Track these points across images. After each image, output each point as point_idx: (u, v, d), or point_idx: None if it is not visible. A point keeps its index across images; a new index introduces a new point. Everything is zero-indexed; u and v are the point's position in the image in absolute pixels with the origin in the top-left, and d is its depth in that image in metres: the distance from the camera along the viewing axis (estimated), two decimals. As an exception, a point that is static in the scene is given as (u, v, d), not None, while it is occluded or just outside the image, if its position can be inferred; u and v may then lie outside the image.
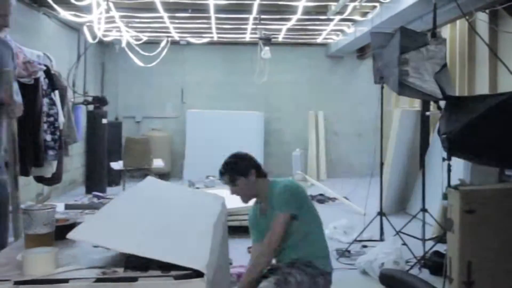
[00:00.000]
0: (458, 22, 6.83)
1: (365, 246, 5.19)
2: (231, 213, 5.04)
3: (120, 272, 1.59)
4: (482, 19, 5.99)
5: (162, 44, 9.46)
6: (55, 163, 5.07)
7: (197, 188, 7.53)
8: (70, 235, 1.63)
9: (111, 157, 8.58)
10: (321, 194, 8.11)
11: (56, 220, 1.93)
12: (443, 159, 4.31)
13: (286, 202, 3.03)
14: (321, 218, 3.21)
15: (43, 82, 4.80)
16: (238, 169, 3.11)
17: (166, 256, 1.59)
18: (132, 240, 1.67)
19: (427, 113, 5.55)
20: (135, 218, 1.97)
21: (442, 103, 4.28)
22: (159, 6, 6.68)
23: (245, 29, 8.70)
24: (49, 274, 1.51)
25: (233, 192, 3.14)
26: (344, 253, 4.97)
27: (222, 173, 3.15)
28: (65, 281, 1.50)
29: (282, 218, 2.99)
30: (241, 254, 4.64)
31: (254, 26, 8.28)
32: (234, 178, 3.09)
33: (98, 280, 1.53)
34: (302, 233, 3.08)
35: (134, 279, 1.55)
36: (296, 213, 3.02)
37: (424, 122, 5.58)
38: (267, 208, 3.14)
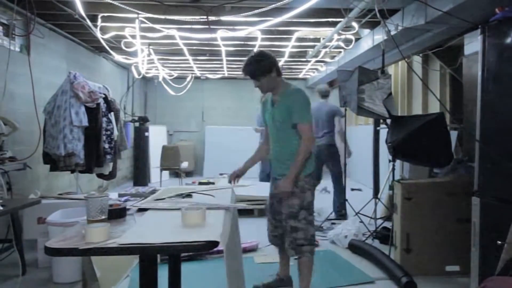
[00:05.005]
0: (400, 63, 6.86)
1: (333, 223, 5.18)
2: (240, 199, 5.05)
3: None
4: (417, 60, 6.02)
5: (188, 78, 9.50)
6: (111, 164, 5.07)
7: (213, 183, 7.51)
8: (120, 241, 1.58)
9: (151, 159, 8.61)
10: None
11: (112, 205, 1.93)
12: (389, 161, 4.33)
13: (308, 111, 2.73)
14: None
15: (103, 106, 4.81)
16: (263, 69, 2.73)
17: (189, 238, 1.57)
18: (161, 234, 1.63)
19: (378, 128, 5.55)
20: (165, 215, 1.96)
21: (389, 121, 4.29)
22: (186, 52, 6.72)
23: (248, 68, 8.71)
24: (103, 242, 1.51)
25: (256, 86, 2.79)
26: (318, 228, 4.95)
27: (247, 71, 2.75)
28: (114, 248, 1.50)
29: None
30: (248, 231, 4.60)
31: (254, 66, 8.30)
32: (259, 76, 2.75)
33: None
34: None
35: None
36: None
37: (376, 134, 5.59)
38: (278, 100, 2.80)
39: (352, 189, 7.81)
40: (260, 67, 2.75)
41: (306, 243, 2.75)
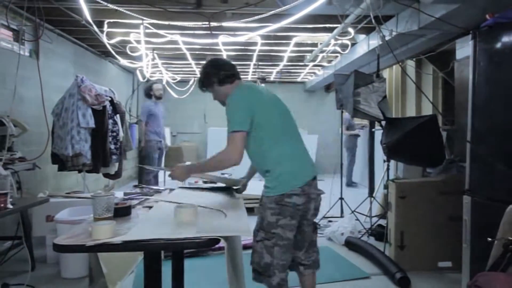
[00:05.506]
0: (394, 67, 6.87)
1: (330, 221, 5.18)
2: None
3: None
4: (410, 65, 6.03)
5: (191, 82, 9.49)
6: (117, 164, 5.07)
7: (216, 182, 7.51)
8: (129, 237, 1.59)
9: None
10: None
11: (117, 203, 1.93)
12: (384, 161, 4.33)
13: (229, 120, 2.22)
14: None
15: (109, 109, 4.81)
16: (205, 83, 2.42)
17: (192, 235, 1.58)
18: (165, 231, 1.64)
19: (373, 129, 5.55)
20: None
21: (384, 123, 4.30)
22: (188, 56, 6.72)
23: (248, 71, 8.73)
24: (109, 238, 1.51)
25: (213, 98, 2.48)
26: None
27: (199, 86, 2.46)
28: (120, 245, 1.50)
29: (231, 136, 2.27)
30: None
31: (254, 70, 8.32)
32: (205, 88, 2.45)
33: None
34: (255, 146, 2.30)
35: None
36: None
37: (371, 136, 5.59)
38: None
39: (348, 185, 7.94)
40: (200, 80, 2.47)
41: (260, 270, 2.22)
